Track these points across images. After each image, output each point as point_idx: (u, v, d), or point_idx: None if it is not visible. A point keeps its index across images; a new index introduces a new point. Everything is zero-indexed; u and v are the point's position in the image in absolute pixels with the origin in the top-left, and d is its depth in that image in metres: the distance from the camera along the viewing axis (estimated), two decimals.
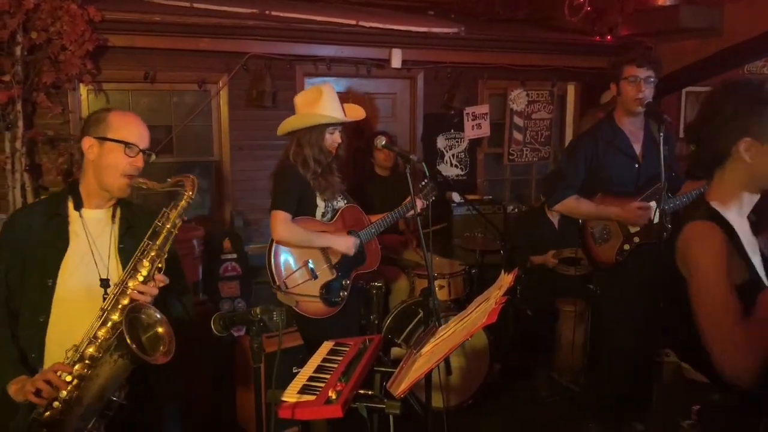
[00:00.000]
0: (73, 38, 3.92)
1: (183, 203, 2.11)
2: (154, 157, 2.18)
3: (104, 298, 2.02)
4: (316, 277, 3.11)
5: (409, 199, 3.27)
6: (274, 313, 1.97)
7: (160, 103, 4.82)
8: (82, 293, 2.06)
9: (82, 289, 2.07)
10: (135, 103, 4.73)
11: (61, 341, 1.99)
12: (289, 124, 3.19)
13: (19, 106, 3.94)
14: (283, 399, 2.03)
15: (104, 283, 2.08)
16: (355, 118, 3.24)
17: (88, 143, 2.11)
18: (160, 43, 4.45)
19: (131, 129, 2.13)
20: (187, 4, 4.58)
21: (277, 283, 3.04)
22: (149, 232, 2.07)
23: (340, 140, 3.17)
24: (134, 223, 2.21)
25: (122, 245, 2.16)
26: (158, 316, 1.95)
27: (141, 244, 2.05)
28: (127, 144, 2.09)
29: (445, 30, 5.24)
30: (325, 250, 3.15)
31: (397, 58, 5.12)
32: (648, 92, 3.18)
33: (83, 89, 4.43)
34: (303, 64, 4.98)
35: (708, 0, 5.24)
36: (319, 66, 5.00)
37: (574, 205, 3.43)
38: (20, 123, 3.97)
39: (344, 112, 3.18)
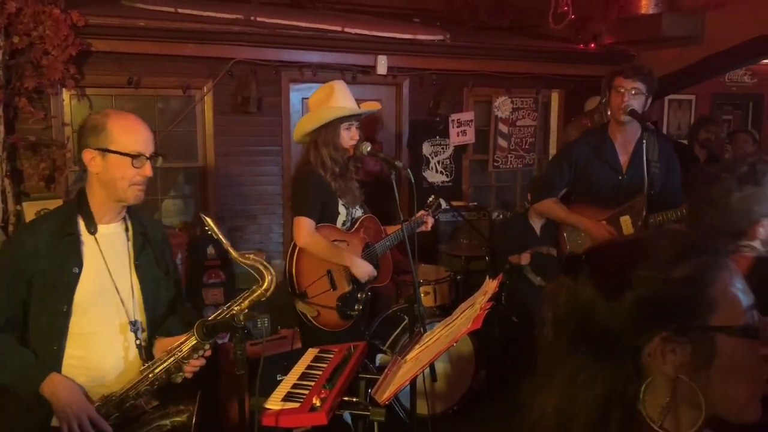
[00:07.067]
0: (56, 43, 3.88)
1: (255, 297, 1.99)
2: (161, 160, 2.06)
3: (137, 344, 2.02)
4: (335, 288, 3.02)
5: (420, 213, 3.25)
6: (258, 320, 1.96)
7: (144, 109, 4.78)
8: (101, 322, 1.99)
9: (100, 318, 1.99)
10: (119, 109, 4.64)
11: (76, 371, 1.95)
12: (304, 125, 3.09)
13: (0, 111, 3.89)
14: (267, 406, 2.02)
15: (133, 325, 2.02)
16: (370, 109, 3.17)
17: (89, 155, 1.94)
18: (145, 49, 4.42)
19: (135, 137, 1.97)
20: (172, 10, 4.56)
21: (298, 291, 2.95)
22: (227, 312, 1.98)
23: (357, 137, 3.06)
24: (149, 236, 2.13)
25: (138, 261, 2.07)
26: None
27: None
28: (134, 156, 1.95)
29: (431, 37, 5.26)
30: None
31: (382, 65, 5.12)
32: (633, 103, 3.17)
33: (66, 94, 4.38)
34: (288, 70, 4.97)
35: (690, 9, 5.31)
36: (304, 72, 5.00)
37: (551, 207, 3.49)
38: (1, 128, 3.92)
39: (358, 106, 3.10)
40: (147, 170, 1.98)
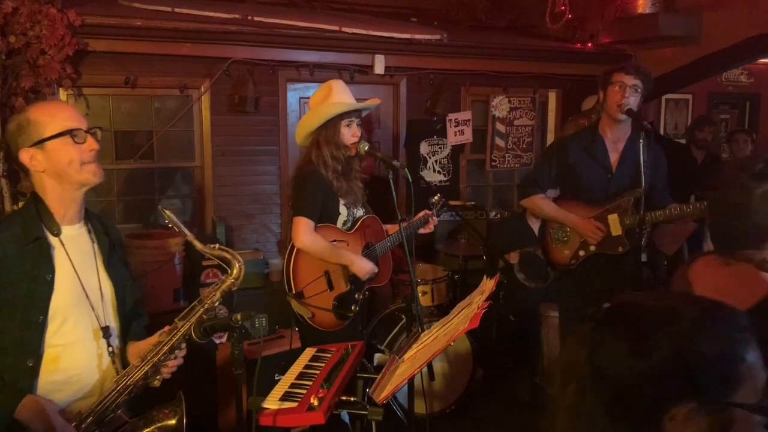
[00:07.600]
0: (53, 42, 3.87)
1: (225, 287, 1.95)
2: (100, 133, 1.92)
3: (110, 351, 1.95)
4: (332, 288, 3.02)
5: (423, 213, 3.24)
6: (256, 319, 1.96)
7: (141, 109, 4.78)
8: (80, 330, 1.90)
9: (78, 326, 1.90)
10: (116, 108, 4.69)
11: (55, 387, 1.87)
12: (305, 126, 3.06)
13: None
14: (265, 406, 2.02)
15: (105, 332, 1.93)
16: (369, 104, 3.16)
17: (27, 156, 1.82)
18: (142, 48, 4.41)
19: (62, 114, 1.87)
20: (169, 9, 4.56)
21: (294, 291, 2.94)
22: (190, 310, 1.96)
23: (358, 134, 3.03)
24: (112, 237, 2.07)
25: (108, 263, 2.01)
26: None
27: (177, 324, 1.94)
28: (70, 132, 1.83)
29: (428, 37, 5.26)
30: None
31: (380, 65, 5.12)
32: (632, 100, 3.17)
33: (63, 94, 4.37)
34: (286, 69, 4.96)
35: (687, 8, 5.32)
36: (302, 72, 5.00)
37: (538, 203, 3.49)
38: None
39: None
40: (91, 143, 1.87)
